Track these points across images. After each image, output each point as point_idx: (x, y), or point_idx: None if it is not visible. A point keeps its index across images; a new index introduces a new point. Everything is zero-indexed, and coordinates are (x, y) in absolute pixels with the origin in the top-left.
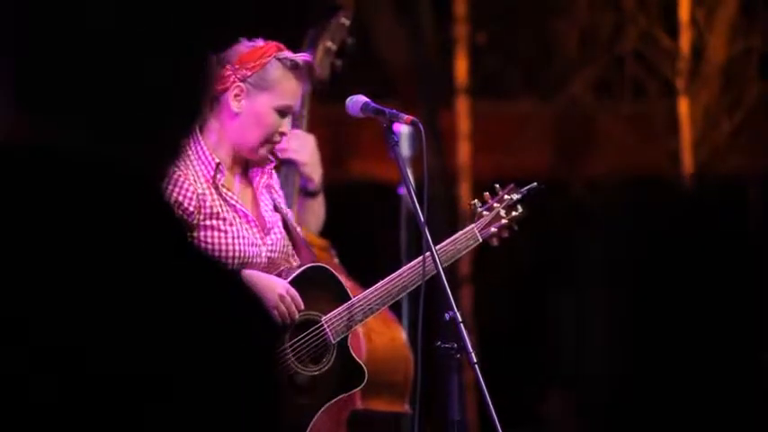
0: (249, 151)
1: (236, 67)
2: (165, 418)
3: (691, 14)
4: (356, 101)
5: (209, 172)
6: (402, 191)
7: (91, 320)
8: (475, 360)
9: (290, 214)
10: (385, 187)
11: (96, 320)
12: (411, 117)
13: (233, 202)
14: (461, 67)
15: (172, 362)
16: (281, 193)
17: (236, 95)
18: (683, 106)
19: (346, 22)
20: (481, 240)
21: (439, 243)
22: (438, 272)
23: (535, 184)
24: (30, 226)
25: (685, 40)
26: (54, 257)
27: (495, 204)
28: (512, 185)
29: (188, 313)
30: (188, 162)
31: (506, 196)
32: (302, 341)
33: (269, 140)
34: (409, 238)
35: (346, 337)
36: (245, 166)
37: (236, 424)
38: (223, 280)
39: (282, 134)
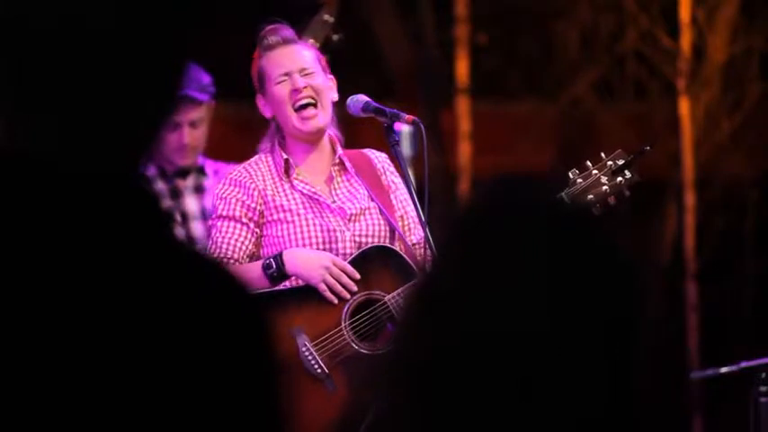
0: (294, 131)
1: (255, 88)
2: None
3: (691, 14)
4: (357, 100)
5: (281, 168)
6: None
7: (79, 326)
8: None
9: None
10: None
11: (84, 325)
12: (412, 117)
13: (309, 193)
14: (462, 68)
15: (161, 360)
16: (393, 180)
17: (263, 105)
18: (684, 106)
19: (329, 19)
20: None
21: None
22: None
23: (647, 147)
24: (7, 234)
25: (686, 41)
26: (40, 265)
27: (595, 172)
28: (618, 151)
29: (177, 310)
30: (260, 165)
31: (609, 162)
32: (363, 319)
33: (293, 107)
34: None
35: None
36: (328, 158)
37: (228, 418)
38: (211, 273)
39: (297, 90)
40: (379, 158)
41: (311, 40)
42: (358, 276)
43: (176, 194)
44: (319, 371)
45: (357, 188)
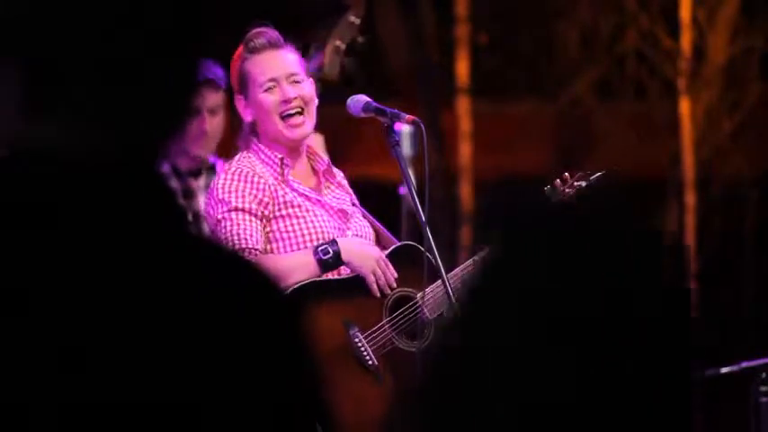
0: (278, 138)
1: (234, 89)
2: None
3: (692, 14)
4: (357, 100)
5: (275, 169)
6: (403, 191)
7: (103, 322)
8: None
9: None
10: (385, 187)
11: (109, 322)
12: (412, 117)
13: (306, 193)
14: (462, 68)
15: (186, 356)
16: (350, 195)
17: (244, 108)
18: (684, 106)
19: (356, 20)
20: None
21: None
22: (439, 269)
23: (614, 169)
24: (37, 232)
25: (686, 41)
26: (65, 264)
27: (567, 190)
28: (581, 173)
29: (203, 304)
30: (252, 163)
31: (576, 183)
32: (401, 317)
33: (280, 116)
34: (409, 238)
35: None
36: (309, 162)
37: (266, 413)
38: (239, 267)
39: (288, 101)
40: (339, 174)
41: (338, 42)
42: (396, 275)
43: (189, 194)
44: (371, 363)
45: (342, 193)
